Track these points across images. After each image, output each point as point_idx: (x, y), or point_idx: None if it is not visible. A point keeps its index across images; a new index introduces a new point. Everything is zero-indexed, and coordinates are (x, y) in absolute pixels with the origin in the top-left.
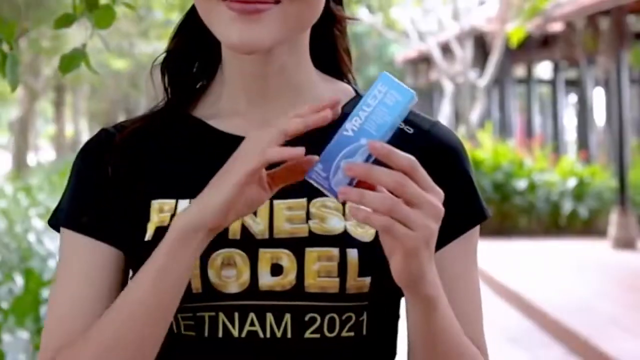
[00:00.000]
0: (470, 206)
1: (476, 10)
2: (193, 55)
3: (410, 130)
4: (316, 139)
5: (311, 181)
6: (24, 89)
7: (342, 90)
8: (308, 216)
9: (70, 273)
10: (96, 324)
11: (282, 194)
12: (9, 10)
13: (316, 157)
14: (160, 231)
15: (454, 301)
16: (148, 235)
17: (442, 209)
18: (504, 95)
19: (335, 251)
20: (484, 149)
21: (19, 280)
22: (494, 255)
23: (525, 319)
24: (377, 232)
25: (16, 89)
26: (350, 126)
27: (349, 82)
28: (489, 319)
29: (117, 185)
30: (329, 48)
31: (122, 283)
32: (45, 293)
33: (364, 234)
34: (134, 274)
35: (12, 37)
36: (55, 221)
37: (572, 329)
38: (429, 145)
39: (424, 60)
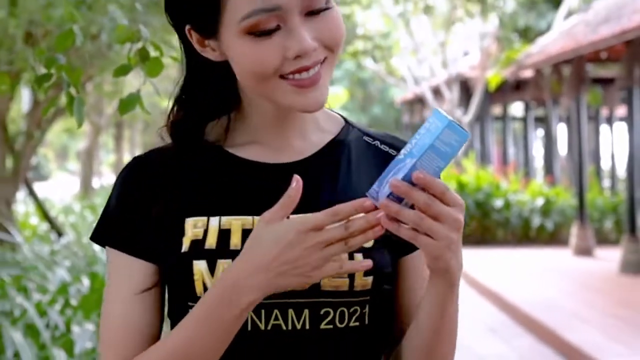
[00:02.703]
0: None
1: (461, 60)
2: (203, 118)
3: (394, 153)
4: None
5: (367, 195)
6: (89, 124)
7: (334, 119)
8: None
9: (115, 290)
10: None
11: (296, 209)
12: (77, 59)
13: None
14: (195, 244)
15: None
16: (184, 248)
17: (462, 221)
18: (484, 130)
19: (345, 256)
20: (467, 173)
21: (86, 281)
22: (476, 261)
23: (502, 313)
24: (375, 239)
25: (82, 125)
26: (403, 151)
27: (337, 112)
28: (473, 313)
29: (153, 206)
30: None
31: (161, 295)
32: None
33: None
34: (169, 287)
35: (78, 82)
36: (96, 237)
37: (541, 321)
38: None
39: (419, 100)
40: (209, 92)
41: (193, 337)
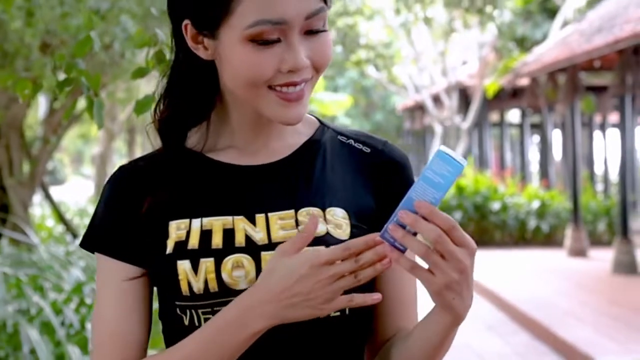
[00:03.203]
0: None
1: (460, 69)
2: (184, 116)
3: (368, 150)
4: (301, 174)
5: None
6: (103, 130)
7: (310, 122)
8: (297, 223)
9: (105, 294)
10: None
11: (274, 207)
12: (92, 67)
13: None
14: (178, 245)
15: (403, 290)
16: (169, 249)
17: (468, 265)
18: (482, 136)
19: (321, 248)
20: (466, 178)
21: None
22: (475, 262)
23: (499, 311)
24: (351, 231)
25: (102, 127)
26: (412, 191)
27: (313, 115)
28: (471, 312)
29: (138, 211)
30: None
31: (150, 299)
32: None
33: (342, 233)
34: (158, 290)
35: (97, 87)
36: (85, 243)
37: (537, 319)
38: (382, 162)
39: (419, 108)
40: (193, 91)
41: (201, 352)
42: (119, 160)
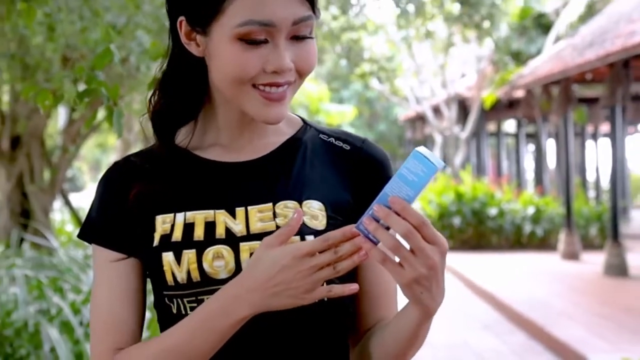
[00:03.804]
0: None
1: (459, 81)
2: (175, 110)
3: (347, 147)
4: (281, 170)
5: (355, 227)
6: (120, 140)
7: (294, 121)
8: (275, 215)
9: (101, 284)
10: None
11: (253, 201)
12: (110, 79)
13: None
14: (163, 238)
15: (384, 281)
16: (155, 242)
17: (437, 261)
18: (480, 145)
19: (297, 238)
20: (465, 184)
21: None
22: (472, 265)
23: (496, 311)
24: (327, 222)
25: (121, 136)
26: (388, 187)
27: (296, 114)
28: (469, 312)
29: (127, 205)
30: None
31: (143, 286)
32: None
33: (318, 224)
34: (151, 278)
35: (116, 97)
36: (82, 235)
37: (531, 319)
38: (361, 159)
39: (420, 118)
40: (184, 86)
41: (189, 338)
42: None
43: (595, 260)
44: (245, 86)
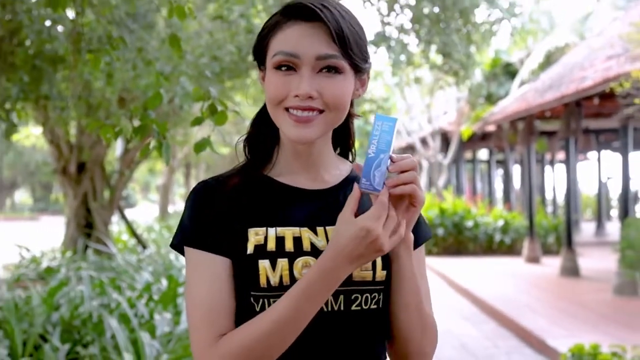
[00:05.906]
0: (421, 230)
1: (442, 117)
2: (264, 136)
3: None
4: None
5: (363, 190)
6: (166, 166)
7: (346, 163)
8: None
9: (199, 278)
10: (254, 326)
11: (329, 222)
12: (158, 116)
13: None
14: (258, 247)
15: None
16: (250, 250)
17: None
18: (459, 169)
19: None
20: (446, 202)
21: (164, 282)
22: (453, 267)
23: (473, 305)
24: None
25: (168, 164)
26: (370, 150)
27: (349, 160)
28: (451, 306)
29: (222, 217)
30: (346, 134)
31: (232, 281)
32: (179, 290)
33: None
34: (237, 280)
35: (165, 132)
36: (176, 243)
37: (501, 311)
38: None
39: (410, 148)
40: (264, 123)
41: (295, 305)
42: (177, 189)
43: (553, 264)
44: (280, 109)
